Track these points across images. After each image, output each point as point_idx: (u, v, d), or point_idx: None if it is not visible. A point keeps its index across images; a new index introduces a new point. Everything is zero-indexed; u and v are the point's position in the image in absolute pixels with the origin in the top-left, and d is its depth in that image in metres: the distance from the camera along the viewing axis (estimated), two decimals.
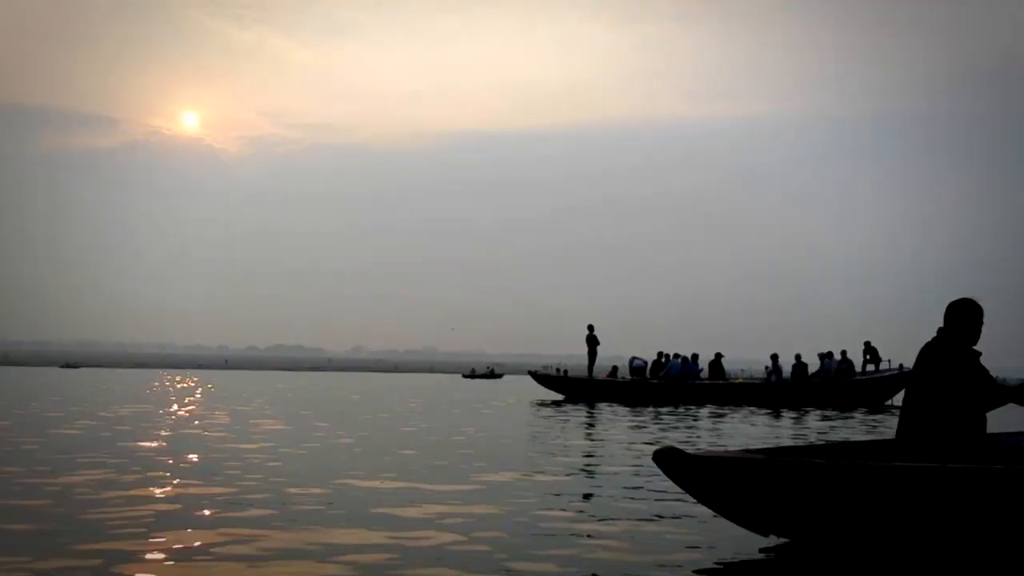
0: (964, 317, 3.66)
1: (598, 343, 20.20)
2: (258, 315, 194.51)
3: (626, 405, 16.53)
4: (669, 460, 3.24)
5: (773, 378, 19.58)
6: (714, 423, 12.00)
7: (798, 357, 19.80)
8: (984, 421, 3.61)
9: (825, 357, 19.92)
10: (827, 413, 15.05)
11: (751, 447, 3.61)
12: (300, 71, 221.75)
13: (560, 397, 19.50)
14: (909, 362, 20.08)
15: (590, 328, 20.22)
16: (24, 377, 28.46)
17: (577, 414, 13.50)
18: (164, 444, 7.34)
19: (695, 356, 20.54)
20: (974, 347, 3.69)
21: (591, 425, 11.14)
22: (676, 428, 10.70)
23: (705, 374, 20.49)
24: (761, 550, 3.39)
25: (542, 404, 16.55)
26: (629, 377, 20.31)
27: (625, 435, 9.25)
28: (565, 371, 20.62)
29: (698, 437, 9.30)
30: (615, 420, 12.05)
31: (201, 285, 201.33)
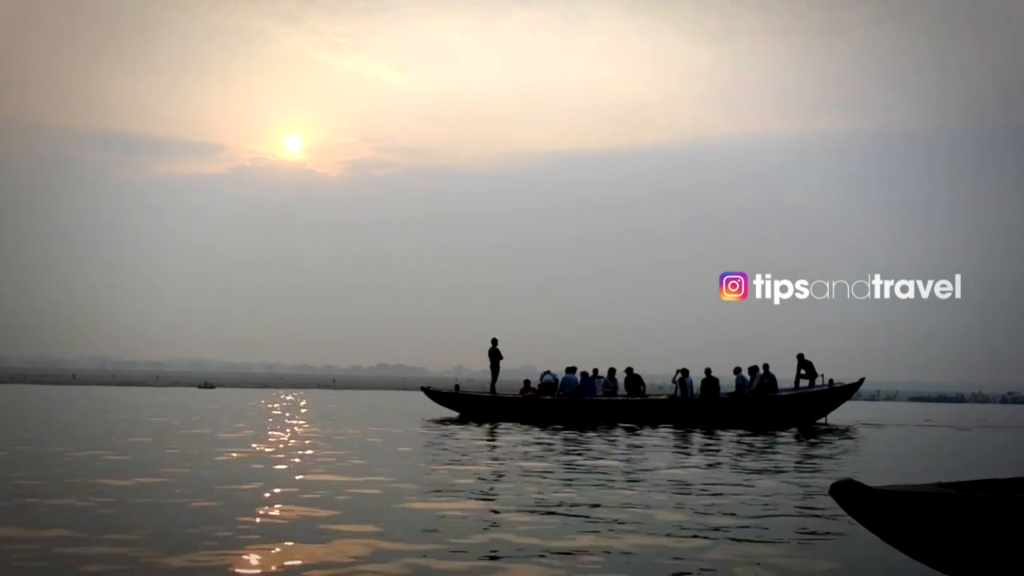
0: None
1: (501, 357, 19.26)
2: (360, 335, 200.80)
3: (521, 423, 15.67)
4: (849, 494, 3.02)
5: (677, 393, 18.07)
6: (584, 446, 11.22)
7: (708, 371, 18.24)
8: None
9: (744, 372, 18.25)
10: (740, 433, 13.71)
11: (941, 481, 3.28)
12: (396, 96, 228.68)
13: (455, 414, 18.76)
14: (841, 377, 18.17)
15: (493, 342, 19.34)
16: (182, 398, 29.20)
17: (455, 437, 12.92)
18: None
19: (611, 371, 19.30)
20: None
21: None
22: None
23: (623, 390, 19.23)
24: None
25: (433, 422, 15.83)
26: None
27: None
28: (457, 386, 19.75)
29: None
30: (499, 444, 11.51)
31: (304, 305, 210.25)
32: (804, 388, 18.47)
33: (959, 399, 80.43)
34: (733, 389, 18.30)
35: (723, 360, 18.57)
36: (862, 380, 18.65)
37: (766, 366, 18.30)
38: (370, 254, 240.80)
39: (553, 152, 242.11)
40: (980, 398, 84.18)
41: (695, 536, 4.58)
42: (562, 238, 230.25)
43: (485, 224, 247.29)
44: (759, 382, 18.15)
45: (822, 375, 18.41)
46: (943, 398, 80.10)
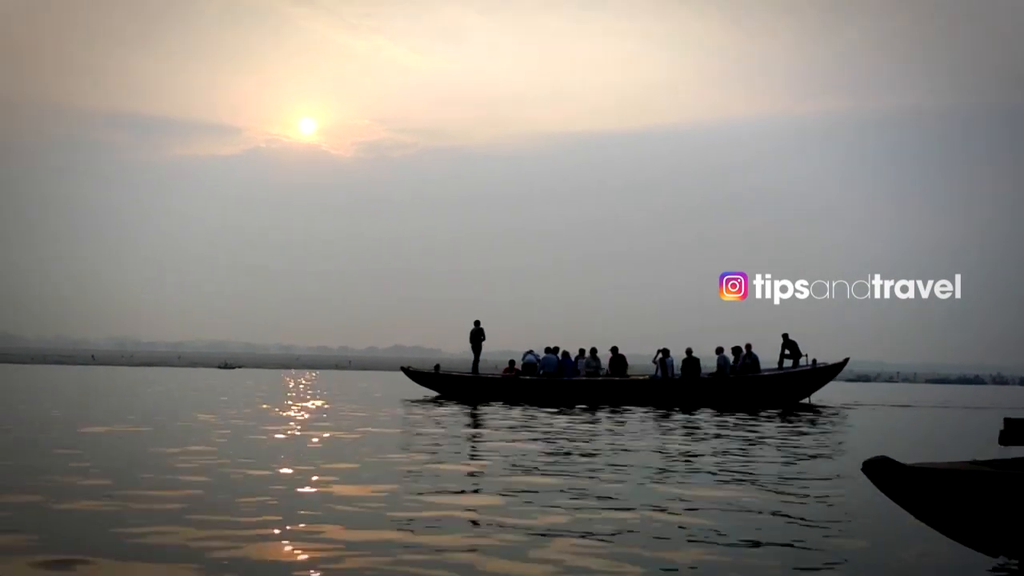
0: None
1: (483, 338, 19.26)
2: (376, 317, 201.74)
3: (502, 403, 15.66)
4: (882, 471, 3.02)
5: (658, 373, 17.93)
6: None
7: (689, 351, 18.09)
8: None
9: (727, 352, 18.06)
10: (716, 413, 13.64)
11: (976, 459, 3.32)
12: (412, 78, 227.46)
13: (435, 394, 18.78)
14: (854, 359, 17.87)
15: (476, 323, 19.32)
16: (212, 378, 29.82)
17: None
18: None
19: (594, 350, 19.20)
20: None
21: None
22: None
23: (607, 370, 19.12)
24: (989, 571, 3.26)
25: (413, 402, 15.82)
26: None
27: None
28: (437, 367, 19.70)
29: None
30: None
31: (320, 287, 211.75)
32: (787, 368, 18.30)
33: (977, 380, 79.71)
34: (715, 369, 18.15)
35: (727, 343, 18.47)
36: (846, 360, 18.42)
37: (748, 346, 18.13)
38: (385, 236, 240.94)
39: (569, 133, 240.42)
40: (999, 380, 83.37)
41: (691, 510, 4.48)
42: (578, 220, 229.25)
43: (501, 206, 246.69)
44: (742, 362, 17.99)
45: (806, 355, 18.24)
46: (963, 380, 79.36)
